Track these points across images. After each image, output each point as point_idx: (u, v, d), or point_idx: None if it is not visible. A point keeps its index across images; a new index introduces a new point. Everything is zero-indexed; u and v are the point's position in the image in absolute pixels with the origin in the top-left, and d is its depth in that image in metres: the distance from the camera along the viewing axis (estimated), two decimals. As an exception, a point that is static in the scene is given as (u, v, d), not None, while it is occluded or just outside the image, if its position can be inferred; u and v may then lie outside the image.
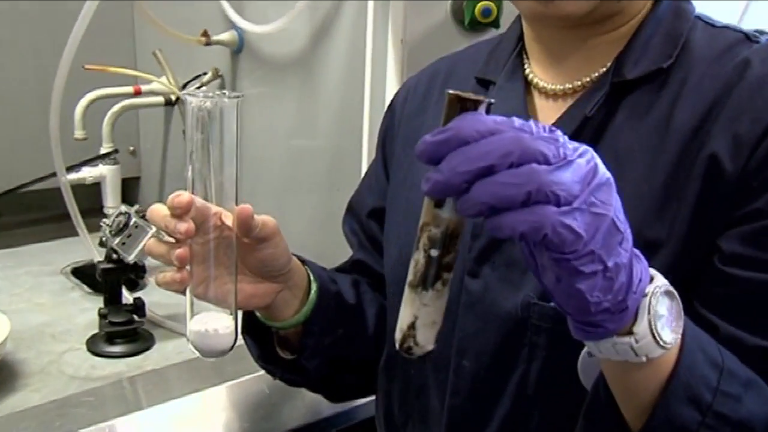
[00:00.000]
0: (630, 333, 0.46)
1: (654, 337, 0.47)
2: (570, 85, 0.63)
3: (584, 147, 0.42)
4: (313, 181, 1.27)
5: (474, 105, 0.43)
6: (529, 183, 0.39)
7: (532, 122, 0.42)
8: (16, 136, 1.54)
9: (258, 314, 0.71)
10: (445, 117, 0.43)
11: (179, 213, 0.56)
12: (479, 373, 0.64)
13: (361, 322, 0.76)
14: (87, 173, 1.40)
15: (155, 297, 1.29)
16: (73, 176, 1.36)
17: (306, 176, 1.28)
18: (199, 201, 0.57)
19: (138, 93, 1.48)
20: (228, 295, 0.61)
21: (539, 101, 0.66)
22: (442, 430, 0.67)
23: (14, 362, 1.10)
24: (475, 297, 0.64)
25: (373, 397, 0.83)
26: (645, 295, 0.47)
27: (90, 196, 1.47)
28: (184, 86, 1.46)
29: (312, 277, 0.71)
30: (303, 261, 0.72)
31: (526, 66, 0.67)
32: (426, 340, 0.47)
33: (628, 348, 0.47)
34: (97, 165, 1.41)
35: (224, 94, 0.56)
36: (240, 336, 0.64)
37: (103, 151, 1.43)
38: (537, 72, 0.66)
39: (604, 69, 0.62)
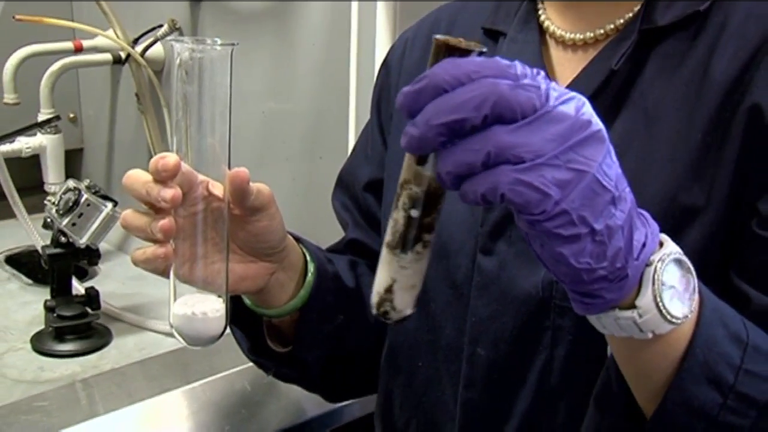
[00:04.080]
0: (633, 306, 0.48)
1: (660, 310, 0.48)
2: (591, 34, 0.64)
3: (572, 94, 0.44)
4: (291, 150, 1.27)
5: (464, 53, 0.44)
6: (487, 145, 0.42)
7: (517, 63, 0.43)
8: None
9: (246, 300, 0.71)
10: (430, 66, 0.45)
11: (165, 177, 0.56)
12: (496, 362, 0.66)
13: (360, 308, 0.77)
14: (23, 144, 1.38)
15: (110, 286, 1.30)
16: (6, 147, 1.35)
17: (282, 144, 1.28)
18: (184, 166, 0.58)
19: (79, 49, 1.46)
20: (217, 276, 0.61)
21: (557, 53, 0.67)
22: (455, 427, 0.69)
23: (-52, 366, 1.10)
24: (489, 277, 0.66)
25: (368, 397, 0.85)
26: (650, 264, 0.48)
27: (24, 172, 1.44)
28: (135, 41, 1.44)
29: (309, 257, 0.72)
30: (297, 239, 0.72)
31: (540, 12, 0.68)
32: (404, 304, 0.50)
33: (632, 323, 0.48)
34: (35, 134, 1.40)
35: (215, 42, 0.57)
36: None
37: (41, 117, 1.42)
38: (553, 18, 0.67)
39: (631, 14, 0.63)
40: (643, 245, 0.47)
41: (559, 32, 0.66)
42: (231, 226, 0.62)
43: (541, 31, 0.68)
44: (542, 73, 0.44)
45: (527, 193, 0.42)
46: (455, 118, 0.42)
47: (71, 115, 1.70)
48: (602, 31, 0.64)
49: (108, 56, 1.47)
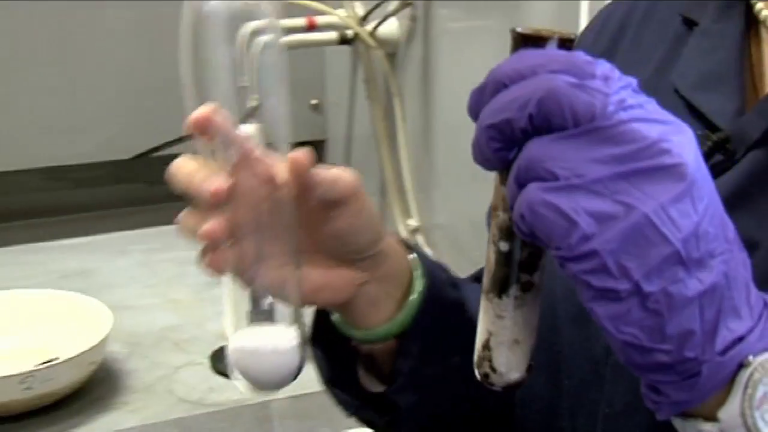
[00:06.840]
0: (715, 419, 0.44)
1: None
2: None
3: (670, 118, 0.42)
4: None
5: (540, 42, 0.45)
6: (520, 159, 0.42)
7: (602, 62, 0.43)
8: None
9: (332, 316, 0.67)
10: None
11: (201, 130, 0.54)
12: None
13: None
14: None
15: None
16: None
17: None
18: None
19: (312, 27, 1.56)
20: (285, 282, 0.59)
21: None
22: None
23: (120, 373, 1.26)
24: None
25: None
26: (746, 365, 0.43)
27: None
28: (364, 18, 1.51)
29: (418, 271, 0.66)
30: (410, 247, 0.68)
31: None
32: (507, 365, 0.48)
33: None
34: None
35: None
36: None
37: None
38: None
39: None
40: (740, 339, 0.43)
41: None
42: (305, 223, 0.60)
43: (750, 19, 0.61)
44: (634, 81, 0.43)
45: (549, 217, 0.41)
46: (501, 118, 0.42)
47: (313, 102, 1.83)
48: None
49: (333, 35, 1.55)
